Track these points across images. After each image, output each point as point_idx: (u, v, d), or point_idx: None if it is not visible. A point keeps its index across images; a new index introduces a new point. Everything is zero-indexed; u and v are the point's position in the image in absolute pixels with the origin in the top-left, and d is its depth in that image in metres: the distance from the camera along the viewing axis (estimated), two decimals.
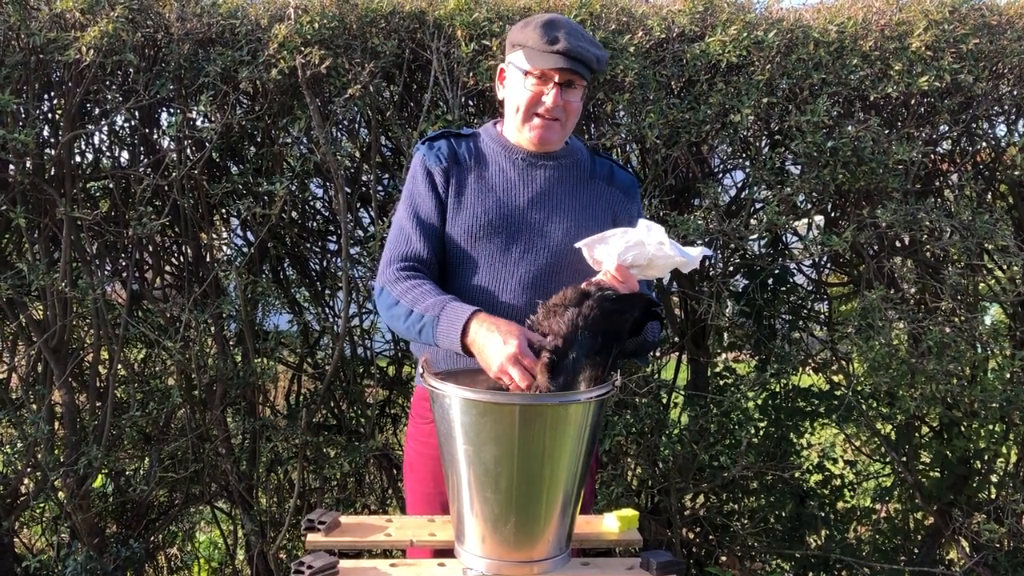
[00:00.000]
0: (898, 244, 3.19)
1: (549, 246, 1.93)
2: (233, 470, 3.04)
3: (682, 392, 3.25)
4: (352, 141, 2.99)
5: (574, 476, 1.66)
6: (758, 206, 3.03)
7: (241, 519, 3.16)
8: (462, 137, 2.02)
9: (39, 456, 2.92)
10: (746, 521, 3.28)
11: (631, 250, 1.76)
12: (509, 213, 1.93)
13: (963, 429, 3.24)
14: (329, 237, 3.20)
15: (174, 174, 2.73)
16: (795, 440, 3.26)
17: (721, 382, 3.23)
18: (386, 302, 1.89)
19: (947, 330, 2.94)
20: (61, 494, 3.03)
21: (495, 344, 1.67)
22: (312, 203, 3.17)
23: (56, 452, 2.93)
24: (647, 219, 1.81)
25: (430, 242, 1.93)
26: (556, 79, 1.87)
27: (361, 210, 3.07)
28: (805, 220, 3.12)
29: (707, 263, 3.11)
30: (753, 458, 3.04)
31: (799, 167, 2.93)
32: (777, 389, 3.27)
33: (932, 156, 3.11)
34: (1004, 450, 3.30)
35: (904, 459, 3.24)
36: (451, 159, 1.97)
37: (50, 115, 2.86)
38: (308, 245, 3.18)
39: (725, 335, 3.27)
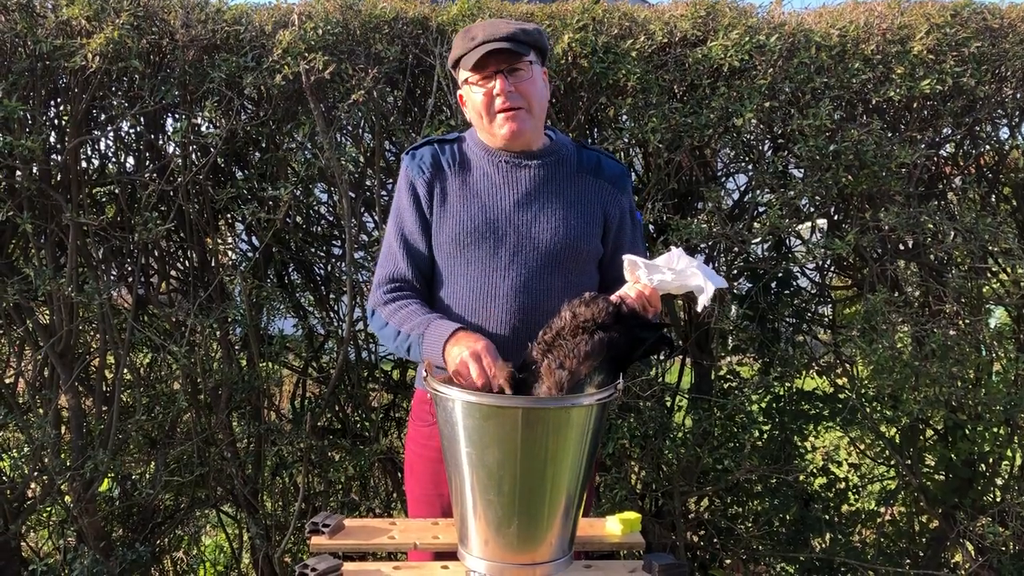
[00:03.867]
0: (901, 247, 3.19)
1: (538, 247, 1.93)
2: (238, 474, 3.05)
3: (686, 395, 3.25)
4: (356, 146, 3.00)
5: (577, 479, 1.66)
6: (761, 210, 3.04)
7: (246, 523, 3.17)
8: (446, 142, 2.02)
9: (46, 460, 2.93)
10: (750, 524, 3.28)
11: (671, 284, 1.78)
12: (495, 217, 1.93)
13: (967, 432, 3.23)
14: (333, 242, 3.21)
15: (179, 179, 2.75)
16: (799, 443, 3.26)
17: (725, 385, 3.23)
18: (378, 323, 1.98)
19: (951, 333, 2.94)
20: (68, 498, 3.04)
21: (462, 344, 1.75)
22: (316, 208, 3.19)
23: (63, 456, 2.94)
24: (708, 269, 1.82)
25: (414, 260, 1.98)
26: (493, 68, 1.88)
27: (365, 214, 3.08)
28: (808, 224, 3.12)
29: (711, 266, 3.11)
30: (757, 461, 3.04)
31: (802, 171, 2.94)
32: (781, 392, 3.27)
33: (935, 159, 3.11)
34: (1009, 453, 3.29)
35: (908, 462, 3.23)
36: (434, 167, 1.98)
37: (56, 121, 2.88)
38: (312, 250, 3.19)
39: (729, 338, 3.27)
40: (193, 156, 2.83)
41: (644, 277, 1.78)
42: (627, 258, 1.82)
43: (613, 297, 1.75)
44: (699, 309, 1.80)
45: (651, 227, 2.98)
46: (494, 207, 1.94)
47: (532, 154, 1.97)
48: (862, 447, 3.47)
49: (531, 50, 1.91)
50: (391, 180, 3.03)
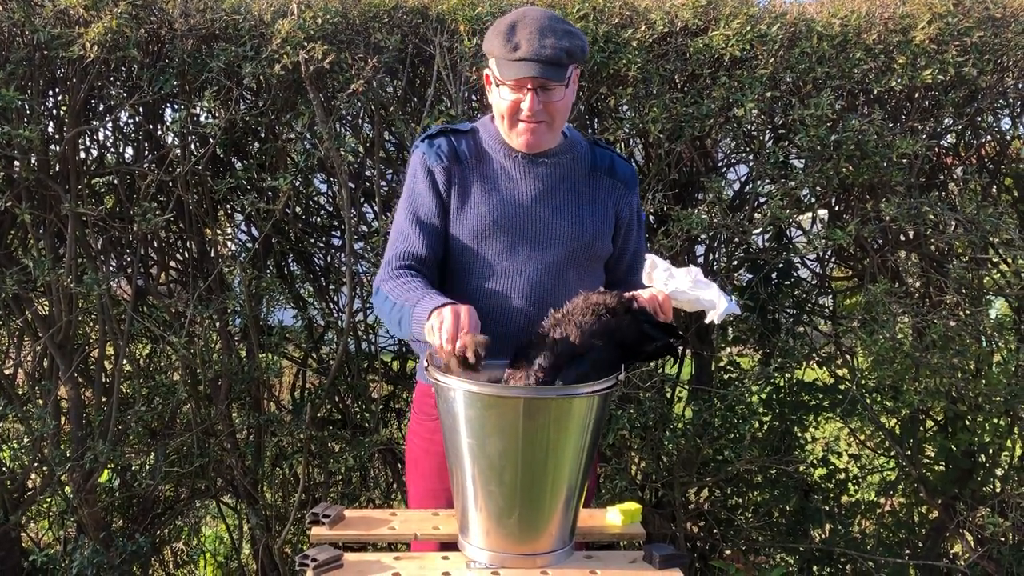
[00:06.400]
0: (902, 238, 3.18)
1: (556, 244, 1.92)
2: (238, 465, 3.06)
3: (686, 386, 3.25)
4: (356, 136, 2.99)
5: (578, 470, 1.66)
6: (762, 200, 3.03)
7: (246, 513, 3.17)
8: (461, 133, 1.99)
9: (46, 451, 2.93)
10: (750, 515, 3.28)
11: (685, 295, 1.78)
12: (514, 212, 1.92)
13: (968, 423, 3.23)
14: (333, 232, 3.20)
15: (178, 170, 2.74)
16: (799, 434, 3.26)
17: (725, 376, 3.23)
18: (379, 300, 1.92)
19: (951, 324, 2.94)
20: (67, 489, 3.04)
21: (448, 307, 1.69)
22: (316, 198, 3.18)
23: (62, 447, 2.94)
24: (725, 291, 1.82)
25: (429, 241, 1.93)
26: (529, 85, 1.82)
27: (365, 205, 3.07)
28: (809, 214, 3.12)
29: (711, 257, 3.11)
30: (757, 452, 3.04)
31: (803, 161, 2.93)
32: (781, 383, 3.27)
33: (936, 150, 3.10)
34: (1009, 444, 3.30)
35: (908, 453, 3.24)
36: (452, 157, 1.94)
37: (55, 111, 2.87)
38: (312, 240, 3.18)
39: (729, 329, 3.26)
40: (192, 146, 2.82)
41: (660, 282, 1.79)
42: (649, 256, 1.82)
43: (626, 294, 1.76)
44: (706, 322, 1.81)
45: (652, 218, 2.97)
46: (513, 202, 1.92)
47: (548, 152, 1.96)
48: (862, 438, 3.48)
49: (570, 67, 1.86)
50: (391, 170, 3.03)
